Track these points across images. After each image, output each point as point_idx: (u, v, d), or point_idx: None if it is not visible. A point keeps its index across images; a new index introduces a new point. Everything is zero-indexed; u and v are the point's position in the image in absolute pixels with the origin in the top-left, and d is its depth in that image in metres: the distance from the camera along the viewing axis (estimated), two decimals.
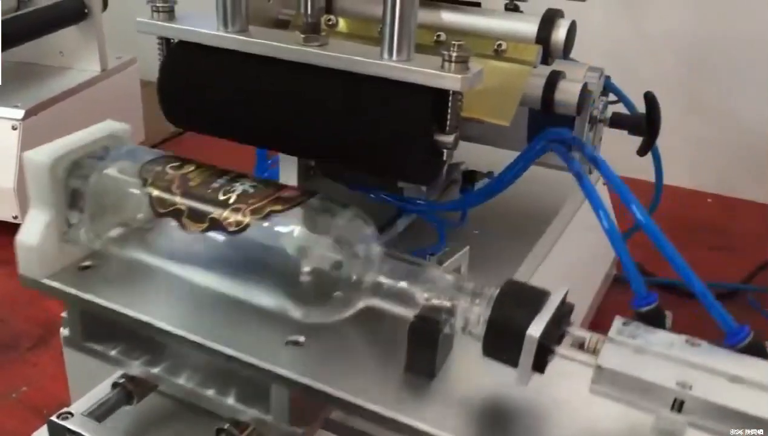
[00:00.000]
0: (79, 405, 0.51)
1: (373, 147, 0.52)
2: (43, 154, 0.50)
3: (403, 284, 0.44)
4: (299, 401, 0.46)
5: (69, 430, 0.49)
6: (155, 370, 0.51)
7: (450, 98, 0.50)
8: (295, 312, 0.46)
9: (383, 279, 0.45)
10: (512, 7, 0.69)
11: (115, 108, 1.23)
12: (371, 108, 0.52)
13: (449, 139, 0.51)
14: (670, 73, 1.26)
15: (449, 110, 0.50)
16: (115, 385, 0.52)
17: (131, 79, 1.29)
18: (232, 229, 0.46)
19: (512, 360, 0.40)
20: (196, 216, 0.47)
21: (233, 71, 0.56)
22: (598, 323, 0.84)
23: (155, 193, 0.49)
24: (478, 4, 0.65)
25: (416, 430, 0.41)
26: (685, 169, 1.22)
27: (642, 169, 0.94)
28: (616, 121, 0.77)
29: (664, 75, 1.25)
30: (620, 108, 0.81)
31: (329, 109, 0.53)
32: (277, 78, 0.54)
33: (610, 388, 0.38)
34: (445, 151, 0.51)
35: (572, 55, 0.67)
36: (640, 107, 0.79)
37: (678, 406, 0.37)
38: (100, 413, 0.51)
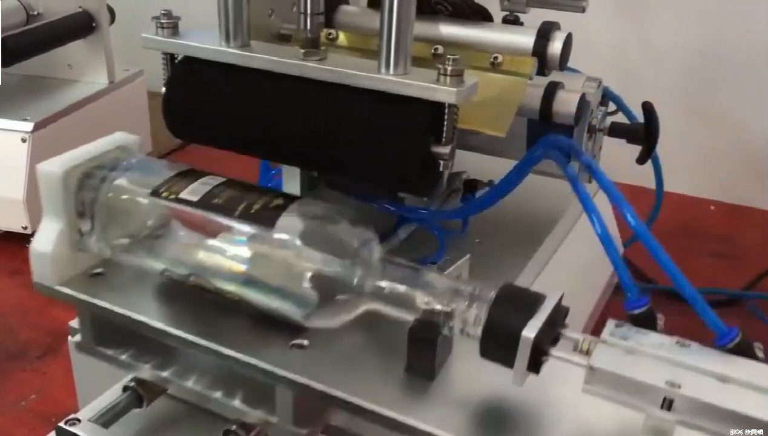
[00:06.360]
0: (87, 412, 0.52)
1: (372, 159, 0.53)
2: (56, 165, 0.52)
3: (402, 289, 0.46)
4: (303, 402, 0.47)
5: None
6: (165, 373, 0.53)
7: (446, 111, 0.51)
8: (299, 317, 0.48)
9: (384, 284, 0.46)
10: (512, 19, 0.70)
11: (123, 120, 1.25)
12: (369, 121, 0.53)
13: (445, 150, 0.52)
14: (673, 82, 1.27)
15: (445, 122, 0.51)
16: (125, 388, 0.54)
17: (139, 91, 1.30)
18: (238, 236, 0.48)
19: (508, 361, 0.41)
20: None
21: (235, 85, 0.57)
22: (600, 330, 0.85)
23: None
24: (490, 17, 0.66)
25: (416, 429, 0.43)
26: (687, 176, 1.22)
27: (644, 176, 0.95)
28: (615, 131, 0.78)
29: (667, 84, 1.26)
30: (621, 117, 0.82)
31: (328, 122, 0.54)
32: (277, 92, 0.56)
33: (602, 388, 0.40)
34: (441, 162, 0.53)
35: (575, 65, 0.67)
36: (641, 117, 0.80)
37: (667, 405, 0.38)
38: (107, 420, 0.52)
